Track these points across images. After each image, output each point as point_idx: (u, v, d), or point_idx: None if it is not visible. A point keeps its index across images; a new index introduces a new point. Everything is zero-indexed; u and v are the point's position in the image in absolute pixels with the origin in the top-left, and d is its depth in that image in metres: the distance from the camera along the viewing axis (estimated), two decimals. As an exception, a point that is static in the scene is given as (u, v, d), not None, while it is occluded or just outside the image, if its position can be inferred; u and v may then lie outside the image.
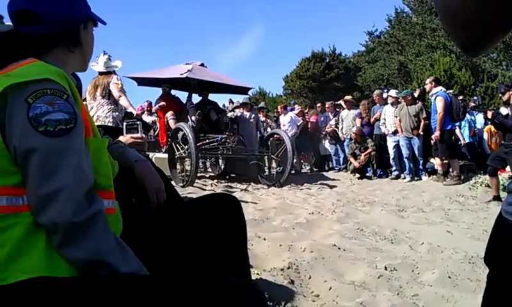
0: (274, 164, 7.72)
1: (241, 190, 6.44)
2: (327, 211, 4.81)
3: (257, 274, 2.33)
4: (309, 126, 10.74)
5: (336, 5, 53.98)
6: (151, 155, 6.33)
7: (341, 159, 10.20)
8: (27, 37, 1.09)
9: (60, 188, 0.93)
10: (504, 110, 8.39)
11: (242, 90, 9.84)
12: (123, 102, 4.83)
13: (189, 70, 7.84)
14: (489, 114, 8.33)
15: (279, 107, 10.98)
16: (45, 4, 1.10)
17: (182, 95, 8.67)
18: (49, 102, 0.95)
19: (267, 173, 7.87)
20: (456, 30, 0.62)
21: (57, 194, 0.93)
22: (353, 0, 52.43)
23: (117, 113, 4.78)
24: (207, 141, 7.38)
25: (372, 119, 9.18)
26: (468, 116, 8.46)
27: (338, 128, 9.92)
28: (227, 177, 8.07)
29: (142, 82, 9.10)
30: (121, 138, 1.80)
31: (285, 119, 10.08)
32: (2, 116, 0.95)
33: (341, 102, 10.55)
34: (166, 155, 7.00)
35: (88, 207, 0.97)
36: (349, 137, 9.37)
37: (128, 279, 0.98)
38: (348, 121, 9.57)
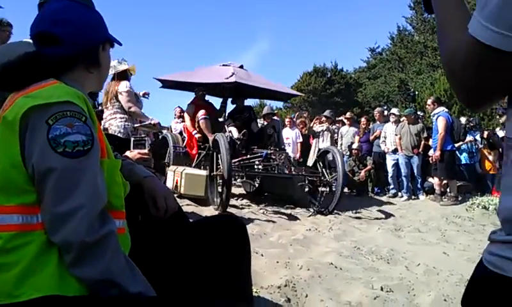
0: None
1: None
2: (324, 228, 4.83)
3: (255, 291, 2.35)
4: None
5: (340, 21, 54.74)
6: (180, 168, 5.41)
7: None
8: (48, 58, 1.12)
9: (76, 207, 0.95)
10: (500, 133, 8.47)
11: (284, 96, 8.84)
12: (134, 112, 4.59)
13: (233, 74, 6.42)
14: (485, 134, 8.42)
15: (286, 120, 10.06)
16: (66, 27, 1.13)
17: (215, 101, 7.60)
18: (68, 124, 0.98)
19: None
20: (457, 89, 0.71)
21: (73, 214, 0.95)
22: (356, 17, 53.20)
23: (129, 123, 4.62)
24: (249, 156, 5.89)
25: (371, 137, 9.20)
26: (468, 137, 8.50)
27: (336, 143, 9.84)
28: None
29: (166, 84, 7.67)
30: (128, 153, 1.83)
31: (291, 134, 9.28)
32: (22, 136, 0.97)
33: (342, 118, 10.52)
34: (200, 172, 5.44)
35: (101, 227, 0.99)
36: (348, 153, 9.36)
37: (136, 300, 1.01)
38: (348, 137, 9.57)
